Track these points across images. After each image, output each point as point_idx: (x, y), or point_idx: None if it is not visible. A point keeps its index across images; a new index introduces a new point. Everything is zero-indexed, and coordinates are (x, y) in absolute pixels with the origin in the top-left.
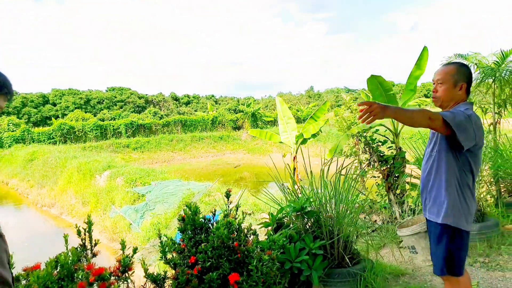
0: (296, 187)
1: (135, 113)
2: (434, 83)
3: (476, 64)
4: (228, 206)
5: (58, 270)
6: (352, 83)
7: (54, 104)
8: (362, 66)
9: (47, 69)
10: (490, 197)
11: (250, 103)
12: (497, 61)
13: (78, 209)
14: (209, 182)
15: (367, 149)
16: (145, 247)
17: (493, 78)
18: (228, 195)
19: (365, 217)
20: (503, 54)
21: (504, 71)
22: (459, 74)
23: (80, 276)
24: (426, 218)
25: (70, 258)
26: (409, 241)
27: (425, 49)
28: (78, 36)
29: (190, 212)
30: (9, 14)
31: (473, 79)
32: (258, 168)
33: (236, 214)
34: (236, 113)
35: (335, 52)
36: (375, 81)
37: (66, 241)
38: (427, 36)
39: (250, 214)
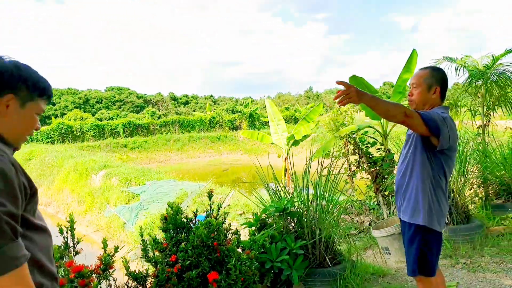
0: (287, 187)
1: (133, 113)
2: (410, 87)
3: (465, 67)
4: (210, 206)
5: None
6: None
7: (53, 104)
8: (362, 66)
9: (46, 68)
10: (478, 199)
11: (248, 103)
12: (487, 64)
13: (74, 208)
14: (204, 183)
15: (356, 150)
16: (138, 246)
17: (482, 80)
18: (210, 195)
19: (353, 218)
20: (493, 58)
21: (493, 74)
22: (433, 78)
23: (62, 273)
24: (400, 219)
25: None
26: (383, 242)
27: (414, 51)
28: (78, 36)
29: (172, 211)
30: (8, 14)
31: (463, 82)
32: (255, 168)
33: (218, 214)
34: (234, 114)
35: (335, 52)
36: (357, 82)
37: None
38: (428, 36)
39: (241, 214)
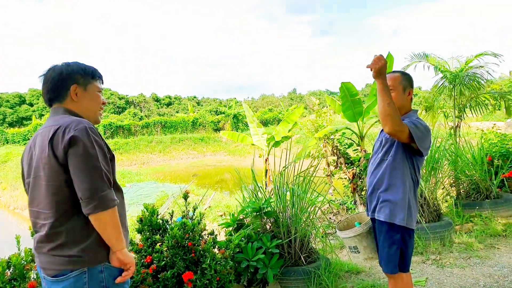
0: (269, 188)
1: (115, 114)
2: None
3: (439, 68)
4: (186, 207)
5: (11, 270)
6: (335, 86)
7: (31, 105)
8: (346, 68)
9: (24, 68)
10: (450, 197)
11: (232, 105)
12: (457, 68)
13: None
14: (186, 184)
15: (334, 151)
16: None
17: (454, 83)
18: (185, 197)
19: (330, 218)
20: (463, 61)
21: (463, 77)
22: (407, 81)
23: (34, 277)
24: (375, 219)
25: (24, 259)
26: (352, 242)
27: (389, 55)
28: (57, 35)
29: (147, 213)
30: None
31: (435, 83)
32: (239, 170)
33: (193, 215)
34: (217, 115)
35: (319, 54)
36: (344, 88)
37: (18, 242)
38: (409, 39)
39: (221, 215)
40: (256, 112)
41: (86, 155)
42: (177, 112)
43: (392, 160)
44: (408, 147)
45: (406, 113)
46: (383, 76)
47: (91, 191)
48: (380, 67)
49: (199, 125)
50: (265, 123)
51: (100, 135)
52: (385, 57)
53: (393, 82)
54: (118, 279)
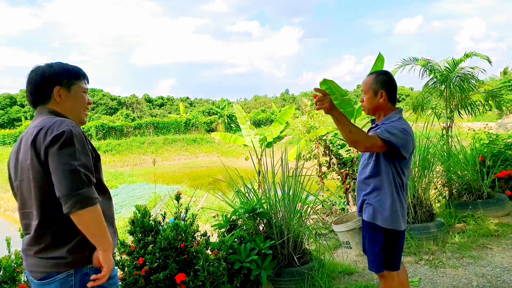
0: (260, 190)
1: (107, 115)
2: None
3: (430, 70)
4: (178, 209)
5: (1, 273)
6: None
7: (23, 106)
8: (338, 70)
9: (15, 69)
10: (442, 198)
11: (224, 106)
12: (448, 68)
13: None
14: (178, 185)
15: (326, 152)
16: None
17: (445, 84)
18: (178, 198)
19: (323, 218)
20: (454, 62)
21: (454, 78)
22: (377, 83)
23: (24, 279)
24: (362, 219)
25: (14, 261)
26: (345, 236)
27: (380, 56)
28: (49, 35)
29: (139, 214)
30: None
31: (426, 83)
32: (231, 171)
33: (186, 216)
34: (210, 116)
35: (311, 55)
36: (328, 86)
37: (9, 244)
38: (400, 41)
39: (214, 216)
40: (249, 113)
41: (65, 154)
42: (169, 113)
43: (375, 163)
44: (390, 153)
45: (386, 115)
46: (334, 108)
47: (68, 189)
48: (327, 108)
49: (192, 126)
50: (258, 124)
51: (83, 134)
52: (377, 57)
53: (364, 86)
54: (89, 284)
